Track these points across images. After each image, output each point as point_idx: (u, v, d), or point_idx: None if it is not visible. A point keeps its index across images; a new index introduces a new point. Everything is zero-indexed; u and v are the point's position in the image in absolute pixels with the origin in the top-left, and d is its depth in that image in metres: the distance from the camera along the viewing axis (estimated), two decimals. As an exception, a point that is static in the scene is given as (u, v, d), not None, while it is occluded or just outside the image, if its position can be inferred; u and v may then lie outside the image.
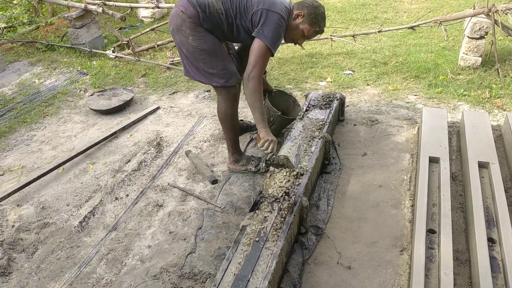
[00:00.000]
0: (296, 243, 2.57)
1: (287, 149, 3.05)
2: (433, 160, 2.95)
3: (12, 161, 3.63)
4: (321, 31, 2.91)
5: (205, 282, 2.37)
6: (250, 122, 3.73)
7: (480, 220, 2.39)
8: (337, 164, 3.27)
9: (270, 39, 2.68)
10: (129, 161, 3.53)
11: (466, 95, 4.08)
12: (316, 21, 2.81)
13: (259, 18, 2.70)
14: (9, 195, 3.10)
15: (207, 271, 2.45)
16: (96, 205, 3.05)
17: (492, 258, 2.21)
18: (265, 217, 2.47)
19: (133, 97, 4.44)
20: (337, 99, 3.68)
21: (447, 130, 3.25)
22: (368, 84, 4.50)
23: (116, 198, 3.11)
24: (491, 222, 2.46)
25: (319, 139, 3.12)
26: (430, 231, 2.42)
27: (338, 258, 2.49)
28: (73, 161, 3.54)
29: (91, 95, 4.48)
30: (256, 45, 2.70)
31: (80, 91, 4.80)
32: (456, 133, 3.54)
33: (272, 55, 2.79)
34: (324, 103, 3.63)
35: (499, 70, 4.25)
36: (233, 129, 3.11)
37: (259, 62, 2.70)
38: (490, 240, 2.32)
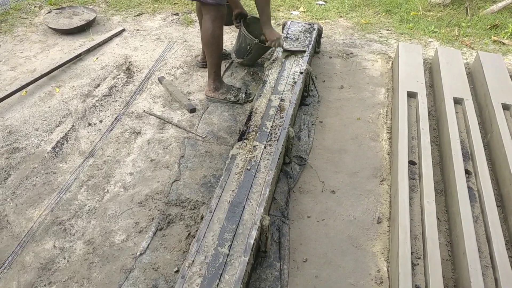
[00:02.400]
0: (281, 172, 2.61)
1: (268, 80, 3.01)
2: (411, 95, 3.02)
3: (-33, 81, 3.34)
4: None
5: (193, 209, 2.38)
6: (225, 50, 3.61)
7: (457, 153, 2.51)
8: (315, 96, 3.28)
9: None
10: (98, 85, 3.35)
11: (436, 32, 4.14)
12: None
13: None
14: (-30, 117, 2.87)
15: (194, 198, 2.45)
16: (68, 130, 2.90)
17: (469, 188, 2.35)
18: (254, 146, 2.46)
19: (95, 17, 4.13)
20: (315, 30, 3.62)
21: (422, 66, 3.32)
22: (341, 16, 4.44)
23: (89, 124, 2.96)
24: (466, 155, 2.59)
25: (300, 73, 3.09)
26: (411, 163, 2.52)
27: (322, 187, 2.56)
28: (36, 84, 3.30)
29: (49, 12, 4.13)
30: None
31: (34, 7, 4.39)
32: (428, 69, 3.62)
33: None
34: (303, 33, 3.56)
35: (468, 9, 4.33)
36: (218, 52, 2.99)
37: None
38: (466, 172, 2.46)
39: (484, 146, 2.76)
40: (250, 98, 3.17)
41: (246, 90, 3.20)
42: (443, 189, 2.53)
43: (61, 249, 2.17)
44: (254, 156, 2.39)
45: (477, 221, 2.20)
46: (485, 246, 2.07)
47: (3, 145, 2.75)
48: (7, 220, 2.30)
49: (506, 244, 2.12)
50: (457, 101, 2.96)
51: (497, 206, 2.41)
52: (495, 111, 2.80)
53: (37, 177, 2.56)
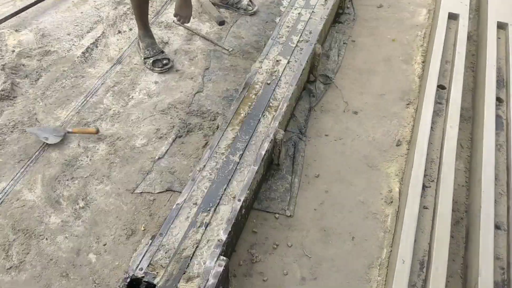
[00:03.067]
0: (304, 90, 2.57)
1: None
2: (452, 17, 2.83)
3: (4, -17, 3.38)
4: None
5: (213, 120, 2.41)
6: None
7: (491, 80, 2.38)
8: (351, 14, 3.13)
9: None
10: (130, -7, 3.31)
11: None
12: None
13: None
14: (6, 18, 2.93)
15: (215, 110, 2.47)
16: (99, 36, 2.93)
17: (497, 116, 2.25)
18: (277, 61, 2.42)
19: None
20: None
21: (471, -13, 3.07)
22: None
23: (119, 32, 2.98)
24: (501, 82, 2.45)
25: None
26: (440, 87, 2.42)
27: (345, 107, 2.51)
28: (70, -11, 3.31)
29: None
30: None
31: None
32: (478, -9, 3.35)
33: None
34: None
35: None
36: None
37: None
38: (498, 100, 2.34)
39: (524, 75, 2.60)
40: (158, 69, 2.69)
41: (163, 59, 2.71)
42: (471, 116, 2.43)
43: (85, 148, 2.28)
44: (275, 71, 2.36)
45: (500, 150, 2.12)
46: (503, 174, 2.01)
47: (36, 47, 2.83)
48: (36, 118, 2.42)
49: (527, 174, 2.06)
50: (501, 26, 2.75)
51: (527, 137, 2.32)
52: (543, 38, 2.60)
53: (66, 80, 2.64)
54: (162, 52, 2.73)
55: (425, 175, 1.99)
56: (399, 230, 1.81)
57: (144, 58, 2.71)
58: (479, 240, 1.75)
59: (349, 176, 2.17)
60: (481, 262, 1.68)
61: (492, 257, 1.70)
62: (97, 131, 2.29)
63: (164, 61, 2.69)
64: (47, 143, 2.25)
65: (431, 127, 2.19)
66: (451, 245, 1.85)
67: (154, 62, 2.68)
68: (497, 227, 1.84)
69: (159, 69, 2.68)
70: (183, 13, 2.47)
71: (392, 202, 2.06)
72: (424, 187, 1.95)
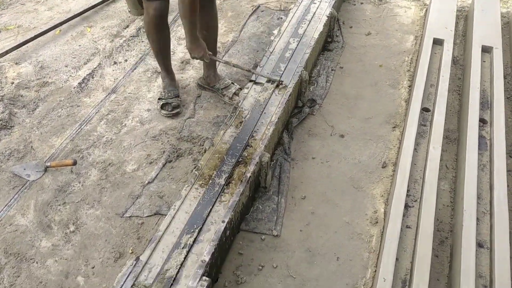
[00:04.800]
0: (292, 117, 2.63)
1: (288, 23, 2.98)
2: (437, 42, 2.91)
3: (8, 19, 3.53)
4: None
5: (202, 145, 2.46)
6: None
7: (474, 101, 2.43)
8: (340, 42, 3.22)
9: None
10: (127, 26, 3.44)
11: (480, -21, 3.88)
12: None
13: None
14: (7, 52, 3.06)
15: (205, 135, 2.53)
16: (95, 67, 3.04)
17: (481, 137, 2.28)
18: (265, 87, 2.49)
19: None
20: (346, -26, 3.51)
21: (456, 14, 3.16)
22: (379, -38, 4.25)
23: (115, 62, 3.08)
24: (485, 104, 2.50)
25: (326, 16, 3.03)
26: (425, 109, 2.47)
27: (331, 131, 2.56)
28: (70, 23, 3.44)
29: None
30: None
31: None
32: (464, 17, 3.44)
33: None
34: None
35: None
36: (157, 43, 2.57)
37: None
38: (482, 121, 2.38)
39: (509, 97, 2.66)
40: (164, 112, 2.66)
41: (173, 103, 2.68)
42: (457, 138, 2.47)
43: (77, 174, 2.34)
44: (262, 97, 2.42)
45: (483, 169, 2.14)
46: (486, 193, 2.04)
47: (34, 79, 2.93)
48: (32, 146, 2.49)
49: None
50: (486, 50, 2.82)
51: (511, 157, 2.35)
52: (525, 61, 2.66)
53: (62, 109, 2.72)
54: (177, 97, 2.71)
55: (408, 195, 2.02)
56: (383, 249, 1.83)
57: (158, 99, 2.73)
58: (461, 258, 1.76)
59: (335, 197, 2.20)
60: (463, 280, 1.69)
61: (474, 275, 1.71)
62: (75, 163, 2.33)
63: (173, 104, 2.64)
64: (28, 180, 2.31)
65: (415, 149, 2.23)
66: (435, 265, 1.87)
67: (163, 105, 2.66)
68: (479, 245, 1.86)
69: (166, 112, 2.64)
70: (195, 54, 2.33)
71: (377, 222, 2.08)
72: (407, 206, 1.98)
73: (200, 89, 2.86)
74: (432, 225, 1.86)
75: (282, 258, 1.96)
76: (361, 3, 3.63)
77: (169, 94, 2.69)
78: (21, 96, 2.80)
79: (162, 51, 2.62)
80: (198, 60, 2.60)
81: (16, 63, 3.05)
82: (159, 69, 3.00)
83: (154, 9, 2.35)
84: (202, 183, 1.98)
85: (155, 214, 2.14)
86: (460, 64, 2.98)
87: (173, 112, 2.65)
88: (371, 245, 2.00)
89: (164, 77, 2.75)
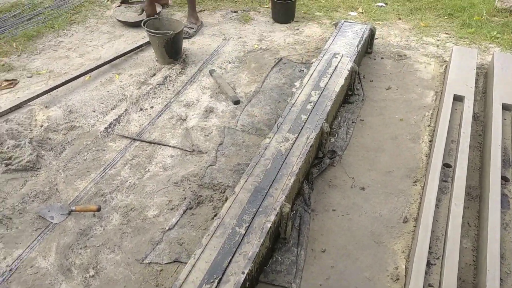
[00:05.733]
0: (312, 168, 2.65)
1: (310, 76, 3.06)
2: (458, 99, 2.94)
3: (40, 64, 3.69)
4: None
5: (223, 193, 2.49)
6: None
7: (496, 159, 2.43)
8: (360, 95, 3.28)
9: None
10: (154, 74, 3.57)
11: (499, 37, 3.96)
12: None
13: None
14: (38, 96, 3.18)
15: (226, 182, 2.56)
16: (122, 113, 3.13)
17: (503, 195, 2.27)
18: (286, 137, 2.53)
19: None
20: (367, 30, 3.61)
21: (475, 71, 3.21)
22: (399, 19, 4.38)
23: (141, 109, 3.18)
24: (506, 162, 2.50)
25: (347, 70, 3.11)
26: (446, 165, 2.47)
27: (352, 183, 2.57)
28: (99, 70, 3.58)
29: (119, 6, 4.44)
30: None
31: (107, 1, 4.74)
32: (483, 74, 3.49)
33: None
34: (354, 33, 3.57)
35: (538, 15, 4.10)
36: None
37: None
38: (504, 179, 2.38)
39: (531, 155, 2.65)
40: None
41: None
42: (478, 195, 2.45)
43: (100, 218, 2.37)
44: (285, 147, 2.46)
45: (506, 228, 2.12)
46: (510, 253, 2.00)
47: (63, 122, 3.03)
48: (57, 189, 2.55)
49: (536, 254, 2.04)
50: (506, 107, 2.84)
51: (535, 217, 2.32)
52: (547, 120, 2.67)
53: (88, 153, 2.80)
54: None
55: (430, 252, 1.99)
56: (404, 307, 1.79)
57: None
58: (486, 321, 1.72)
59: (356, 252, 2.19)
60: None
61: (500, 339, 1.66)
62: (99, 209, 2.37)
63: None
64: (52, 222, 2.35)
65: (437, 205, 2.22)
66: (458, 326, 1.82)
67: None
68: (505, 307, 1.81)
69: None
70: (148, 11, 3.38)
71: (398, 279, 2.05)
72: (429, 264, 1.95)
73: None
74: (455, 285, 1.83)
75: (300, 313, 1.93)
76: (382, 58, 3.72)
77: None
78: (49, 139, 2.89)
79: None
80: None
81: (46, 107, 3.17)
82: (183, 117, 3.09)
83: None
84: (222, 232, 1.99)
85: (174, 261, 2.14)
86: (481, 121, 3.00)
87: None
88: (392, 303, 1.96)
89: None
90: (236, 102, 3.22)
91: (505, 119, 2.79)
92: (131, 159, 2.76)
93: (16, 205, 2.44)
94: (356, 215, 2.38)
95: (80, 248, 2.21)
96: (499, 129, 2.63)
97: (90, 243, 2.24)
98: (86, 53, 3.87)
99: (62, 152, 2.81)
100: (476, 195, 2.46)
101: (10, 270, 2.11)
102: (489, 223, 2.08)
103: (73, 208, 2.39)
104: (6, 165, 2.65)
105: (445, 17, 4.35)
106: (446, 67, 3.56)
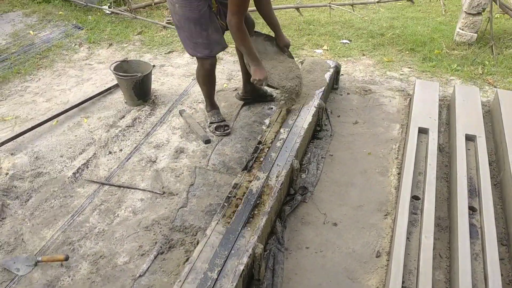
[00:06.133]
0: (284, 205, 2.65)
1: (279, 114, 3.10)
2: (422, 131, 3.02)
3: (6, 111, 3.63)
4: None
5: (195, 235, 2.45)
6: (266, 91, 3.72)
7: (463, 189, 2.48)
8: (328, 131, 3.33)
9: None
10: (123, 116, 3.55)
11: (459, 70, 4.13)
12: None
13: None
14: (2, 143, 3.11)
15: (198, 225, 2.53)
16: (90, 157, 3.09)
17: (471, 225, 2.31)
18: (257, 176, 2.54)
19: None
20: (332, 68, 3.71)
21: (438, 103, 3.32)
22: (363, 55, 4.52)
23: (110, 152, 3.14)
24: (473, 192, 2.55)
25: (314, 107, 3.17)
26: (415, 198, 2.51)
27: (324, 219, 2.58)
28: (67, 114, 3.55)
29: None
30: None
31: (75, 45, 4.75)
32: (446, 106, 3.61)
33: None
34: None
35: (493, 47, 4.30)
36: (209, 86, 3.35)
37: (236, 9, 2.72)
38: (471, 209, 2.42)
39: (496, 184, 2.72)
40: (219, 133, 3.32)
41: (225, 126, 3.36)
42: (448, 226, 2.49)
43: (68, 267, 2.29)
44: (255, 186, 2.46)
45: (477, 258, 2.14)
46: (481, 283, 2.02)
47: (29, 169, 2.96)
48: (22, 239, 2.46)
49: (507, 283, 2.06)
50: (470, 138, 2.93)
51: (503, 245, 2.36)
52: (508, 149, 2.75)
53: (55, 200, 2.73)
54: (224, 120, 3.37)
55: (403, 287, 1.99)
56: None
57: (210, 123, 3.37)
58: None
59: (330, 289, 2.17)
60: None
61: None
62: (67, 258, 2.30)
63: (226, 128, 3.30)
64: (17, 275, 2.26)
65: (408, 238, 2.24)
66: None
67: (217, 128, 3.31)
68: None
69: (220, 133, 3.28)
70: (258, 76, 2.98)
71: (374, 316, 2.03)
72: (403, 299, 1.95)
73: (244, 100, 3.67)
74: (430, 319, 1.82)
75: None
76: (348, 93, 3.81)
77: (220, 118, 3.38)
78: (15, 187, 2.82)
79: (211, 91, 3.36)
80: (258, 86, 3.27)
81: (12, 154, 3.10)
82: (153, 158, 3.07)
83: (209, 64, 3.10)
84: (194, 277, 1.95)
85: (146, 310, 2.08)
86: (446, 152, 3.08)
87: (227, 131, 3.29)
88: None
89: (211, 108, 3.42)
90: (207, 141, 3.22)
91: (469, 149, 2.87)
92: (100, 204, 2.70)
93: (-21, 259, 2.34)
94: (329, 252, 2.37)
95: (47, 301, 2.12)
96: (464, 160, 2.70)
97: (57, 295, 2.15)
98: (54, 97, 3.84)
99: (28, 200, 2.74)
100: (446, 226, 2.49)
101: (-29, 329, 2.00)
102: (459, 254, 2.10)
103: (40, 258, 2.31)
104: (-31, 216, 2.56)
105: (407, 52, 4.52)
106: (410, 100, 3.66)
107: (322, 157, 3.05)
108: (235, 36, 2.84)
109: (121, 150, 3.18)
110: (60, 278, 2.24)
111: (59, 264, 2.31)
